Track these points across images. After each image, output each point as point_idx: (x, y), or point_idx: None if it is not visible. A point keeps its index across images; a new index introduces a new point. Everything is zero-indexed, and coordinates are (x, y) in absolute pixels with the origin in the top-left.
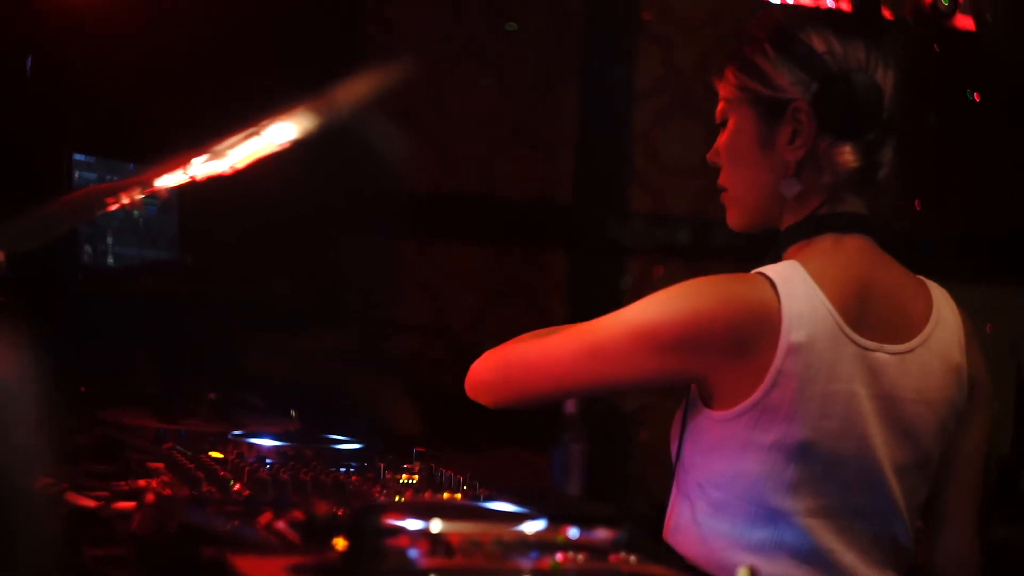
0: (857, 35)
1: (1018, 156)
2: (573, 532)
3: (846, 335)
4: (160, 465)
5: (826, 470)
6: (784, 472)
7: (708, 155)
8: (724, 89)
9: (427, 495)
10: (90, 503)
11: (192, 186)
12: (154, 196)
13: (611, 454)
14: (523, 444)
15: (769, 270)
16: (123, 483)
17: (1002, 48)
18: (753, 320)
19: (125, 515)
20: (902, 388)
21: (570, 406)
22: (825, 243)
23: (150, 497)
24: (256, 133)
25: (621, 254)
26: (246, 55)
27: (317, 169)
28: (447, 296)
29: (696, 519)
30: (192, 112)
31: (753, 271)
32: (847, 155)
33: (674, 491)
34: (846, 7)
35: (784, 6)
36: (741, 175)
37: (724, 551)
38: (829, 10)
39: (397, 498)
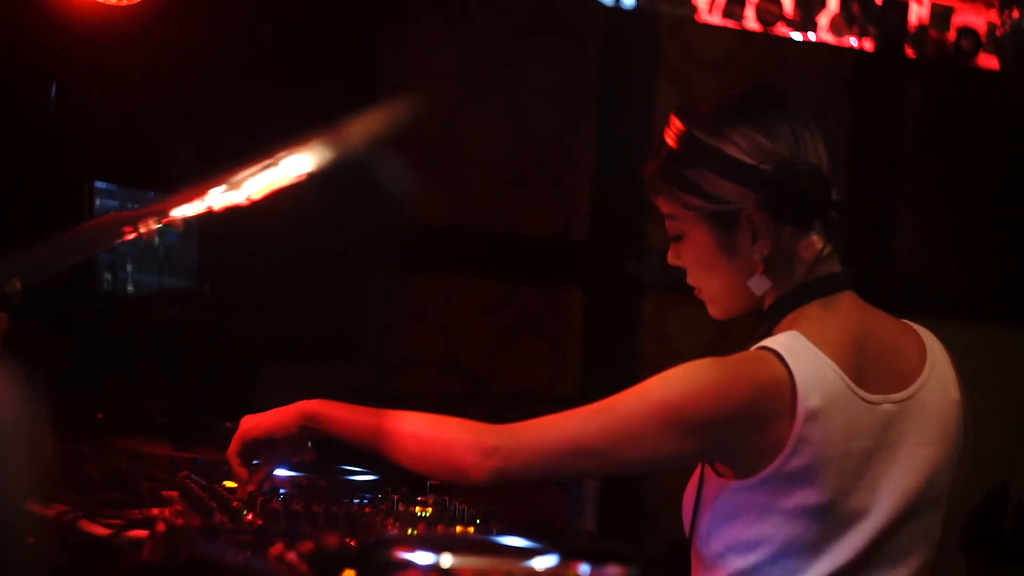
0: (774, 115)
1: None
2: (584, 569)
3: (855, 394)
4: (174, 494)
5: (845, 527)
6: (807, 534)
7: (669, 258)
8: (666, 206)
9: (440, 528)
10: (103, 531)
11: (211, 216)
12: (174, 225)
13: (624, 491)
14: None
15: (772, 343)
16: (136, 512)
17: None
18: (768, 395)
19: (137, 544)
20: (907, 435)
21: None
22: (815, 309)
23: (161, 526)
24: (273, 165)
25: (638, 291)
26: (266, 89)
27: (334, 204)
28: (460, 331)
29: None
30: (212, 143)
31: (755, 347)
32: (815, 243)
33: (694, 562)
34: (869, 47)
35: (693, 109)
36: (710, 281)
37: None
38: (738, 97)
39: (410, 531)
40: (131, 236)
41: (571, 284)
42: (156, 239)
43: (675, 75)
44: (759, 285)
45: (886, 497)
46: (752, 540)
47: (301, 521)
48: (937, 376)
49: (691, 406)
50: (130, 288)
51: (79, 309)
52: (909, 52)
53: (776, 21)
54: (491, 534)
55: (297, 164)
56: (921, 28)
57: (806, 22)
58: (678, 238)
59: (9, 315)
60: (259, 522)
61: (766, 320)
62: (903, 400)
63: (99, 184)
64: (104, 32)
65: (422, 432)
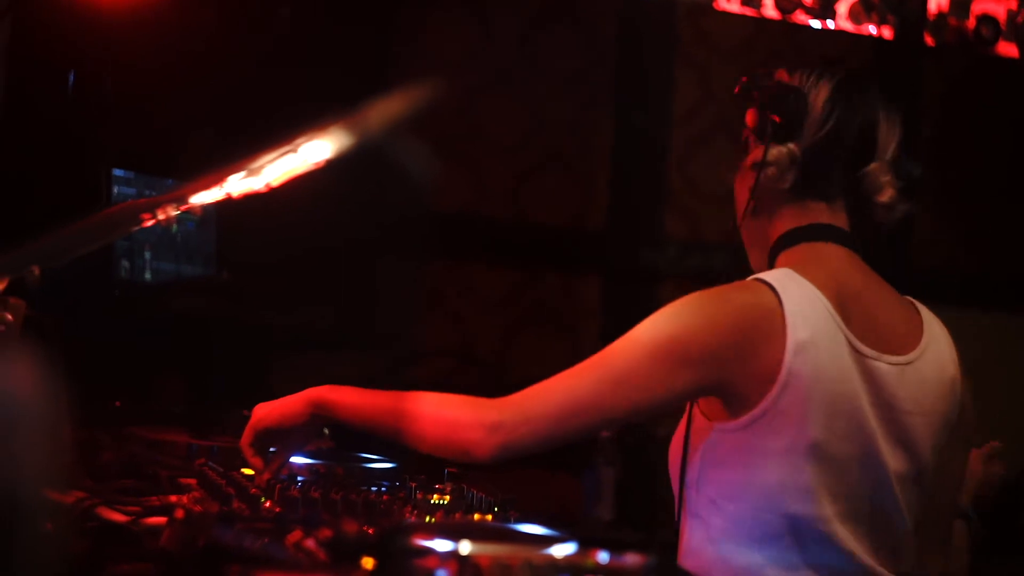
0: (814, 67)
1: None
2: (603, 557)
3: (846, 337)
4: (192, 481)
5: (838, 473)
6: (799, 476)
7: None
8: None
9: (458, 516)
10: (121, 518)
11: (230, 203)
12: (192, 212)
13: (642, 477)
14: (556, 467)
15: (763, 275)
16: (154, 499)
17: None
18: (759, 322)
19: (155, 531)
20: (901, 399)
21: None
22: (802, 251)
23: (179, 513)
24: (291, 152)
25: (655, 281)
26: (282, 77)
27: (351, 191)
28: (476, 320)
29: (711, 537)
30: (228, 130)
31: (748, 278)
32: (770, 171)
33: (683, 515)
34: (888, 35)
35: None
36: (736, 202)
37: (744, 566)
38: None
39: (427, 519)
40: (148, 223)
41: (588, 273)
42: (174, 227)
43: (692, 62)
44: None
45: (875, 454)
46: (744, 484)
47: (319, 508)
48: (935, 351)
49: (681, 340)
50: (148, 276)
51: (97, 297)
52: (928, 40)
53: (795, 9)
54: (509, 522)
55: (315, 151)
56: (940, 16)
57: (825, 10)
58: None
59: (28, 302)
60: (277, 509)
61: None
62: (898, 364)
63: (117, 172)
64: (121, 20)
65: (426, 413)
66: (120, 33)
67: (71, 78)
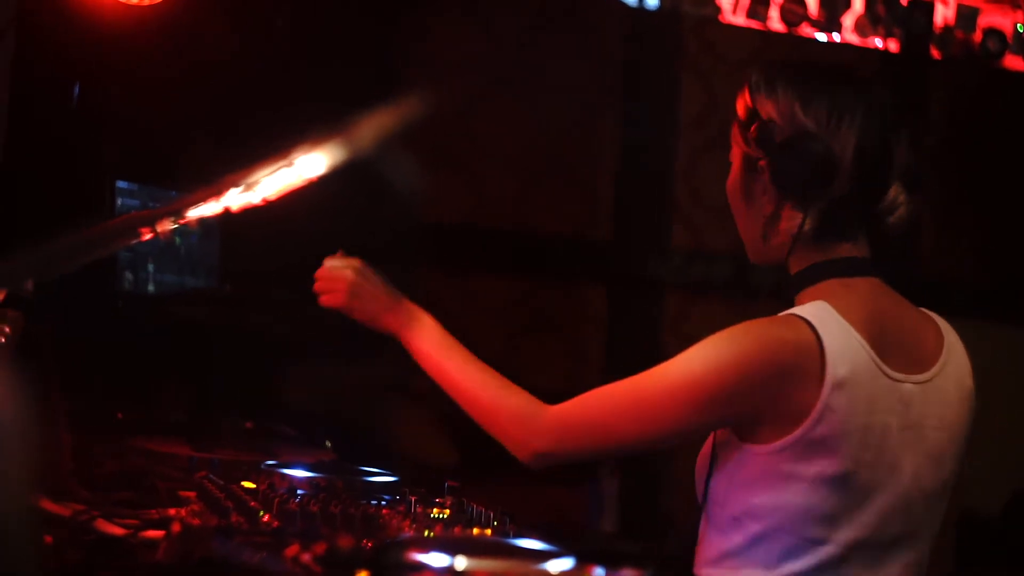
0: (822, 92)
1: None
2: (599, 572)
3: (880, 368)
4: (191, 494)
5: (862, 500)
6: (824, 503)
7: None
8: (731, 134)
9: (457, 530)
10: (118, 531)
11: (231, 215)
12: (189, 225)
13: (644, 489)
14: (558, 478)
15: (801, 311)
16: (153, 511)
17: None
18: (797, 360)
19: (151, 544)
20: (927, 416)
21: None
22: (835, 286)
23: (176, 527)
24: (290, 164)
25: (660, 290)
26: (284, 87)
27: (353, 201)
28: (479, 330)
29: (731, 552)
30: (232, 142)
31: (784, 313)
32: (796, 219)
33: (704, 526)
34: (894, 48)
35: (773, 62)
36: (736, 219)
37: None
38: (812, 63)
39: (426, 532)
40: (147, 237)
41: (593, 283)
42: (177, 239)
43: (698, 73)
44: (770, 236)
45: (902, 476)
46: (769, 506)
47: (318, 522)
48: (954, 363)
49: (716, 380)
50: (151, 288)
51: (99, 309)
52: (935, 53)
53: (800, 22)
54: (508, 536)
55: (313, 163)
56: (947, 29)
57: (831, 23)
58: (729, 164)
59: (25, 314)
60: (275, 523)
61: (788, 290)
62: (924, 382)
63: (120, 184)
64: (126, 32)
65: (485, 398)
66: (124, 46)
67: (76, 90)
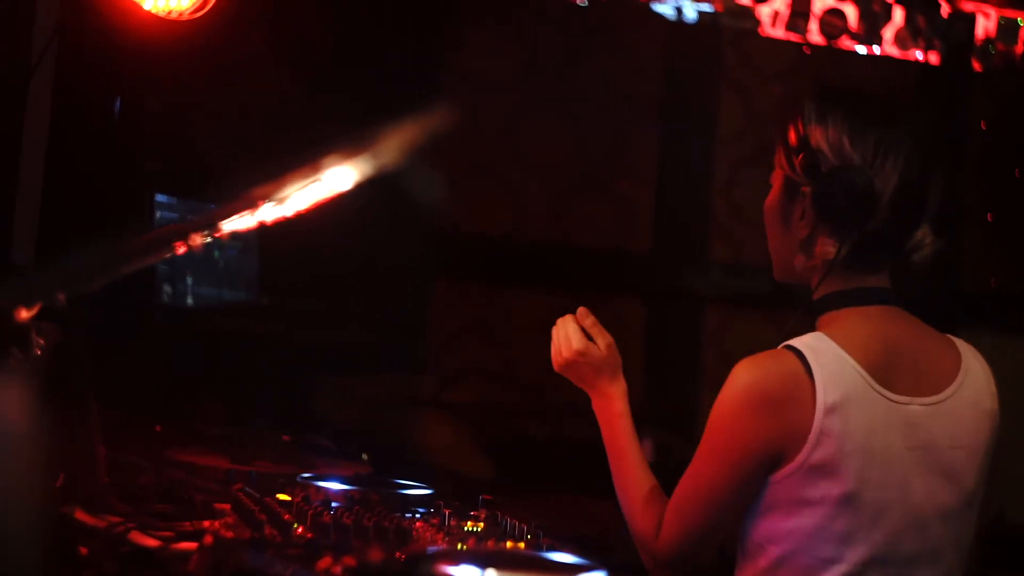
0: (870, 125)
1: None
2: None
3: (877, 392)
4: (226, 506)
5: (873, 519)
6: (834, 524)
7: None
8: (776, 156)
9: (490, 543)
10: (153, 543)
11: (270, 229)
12: (230, 237)
13: None
14: (594, 491)
15: (795, 342)
16: (188, 524)
17: None
18: (784, 388)
19: (183, 556)
20: (938, 436)
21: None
22: (850, 315)
23: (208, 539)
24: (327, 178)
25: (699, 304)
26: (324, 101)
27: (394, 216)
28: (518, 342)
29: (758, 574)
30: (271, 156)
31: (780, 345)
32: (829, 247)
33: (739, 551)
34: (935, 61)
35: (825, 88)
36: (769, 238)
37: None
38: (865, 96)
39: (460, 546)
40: (181, 250)
41: (631, 296)
42: (216, 252)
43: (737, 86)
44: (802, 260)
45: (913, 495)
46: (785, 530)
47: (351, 534)
48: (971, 386)
49: (729, 424)
50: (189, 300)
51: (139, 321)
52: (975, 65)
53: (840, 34)
54: (541, 549)
55: (355, 177)
56: (987, 41)
57: (871, 35)
58: (768, 182)
59: (61, 325)
60: (309, 535)
61: (810, 315)
62: (933, 404)
63: (159, 197)
64: (166, 46)
65: (625, 502)
66: (164, 60)
67: (116, 105)
